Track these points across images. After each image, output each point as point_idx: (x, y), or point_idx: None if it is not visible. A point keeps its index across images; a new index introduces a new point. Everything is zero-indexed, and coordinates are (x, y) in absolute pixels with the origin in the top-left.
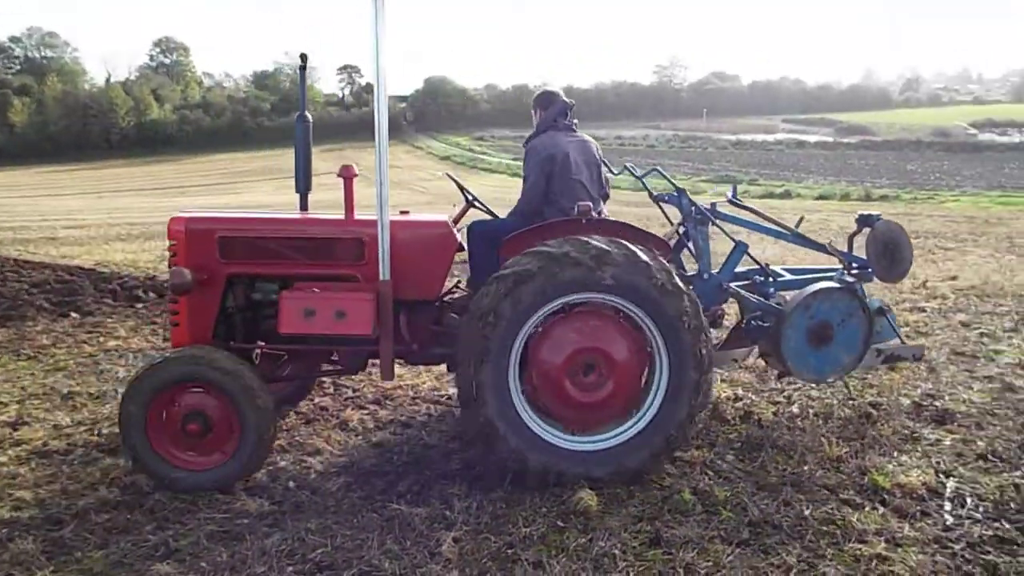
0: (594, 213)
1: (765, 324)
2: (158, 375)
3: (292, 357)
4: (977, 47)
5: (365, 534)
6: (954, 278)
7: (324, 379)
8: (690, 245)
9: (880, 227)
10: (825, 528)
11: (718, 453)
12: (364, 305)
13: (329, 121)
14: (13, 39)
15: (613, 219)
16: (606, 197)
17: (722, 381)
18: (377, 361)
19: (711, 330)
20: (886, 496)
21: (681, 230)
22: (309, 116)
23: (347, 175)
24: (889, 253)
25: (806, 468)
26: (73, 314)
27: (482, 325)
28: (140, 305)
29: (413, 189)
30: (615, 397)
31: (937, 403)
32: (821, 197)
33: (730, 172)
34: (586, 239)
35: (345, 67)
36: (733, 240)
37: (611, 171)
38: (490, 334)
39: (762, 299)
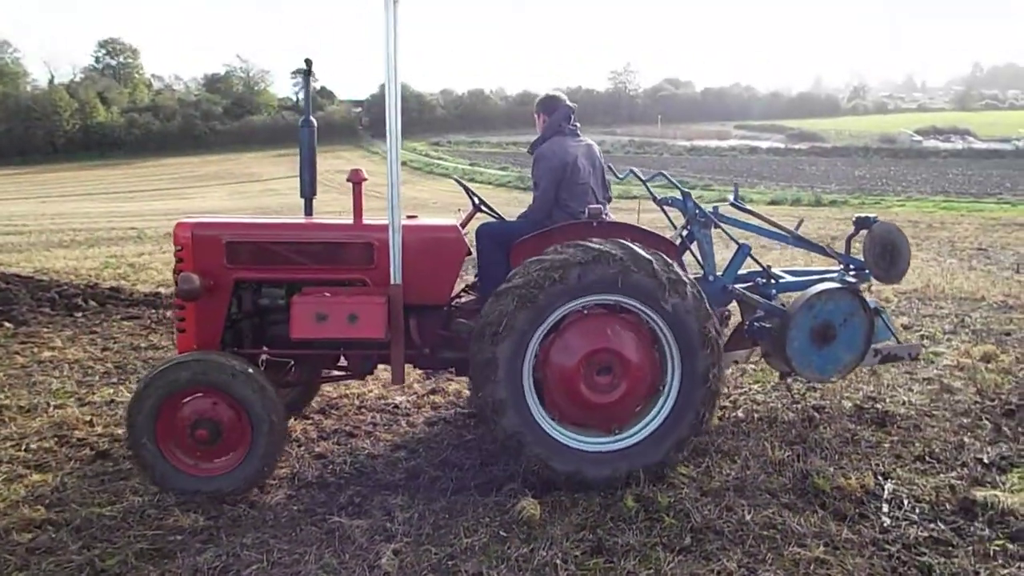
0: (608, 214)
1: (768, 325)
2: (166, 379)
3: (299, 362)
4: (921, 54)
5: (303, 548)
6: None
7: None
8: (694, 248)
9: (878, 229)
10: (765, 533)
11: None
12: (376, 309)
13: (282, 124)
14: None
15: (621, 221)
16: (609, 200)
17: None
18: (383, 366)
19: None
20: (826, 499)
21: (685, 233)
22: (314, 121)
23: (356, 179)
24: (888, 254)
25: (749, 472)
26: (6, 323)
27: (492, 339)
28: (79, 314)
29: (368, 195)
30: (630, 395)
31: (878, 405)
32: (773, 202)
33: (685, 177)
34: (588, 243)
35: (298, 71)
36: (736, 243)
37: (616, 175)
38: (499, 347)
39: (765, 300)
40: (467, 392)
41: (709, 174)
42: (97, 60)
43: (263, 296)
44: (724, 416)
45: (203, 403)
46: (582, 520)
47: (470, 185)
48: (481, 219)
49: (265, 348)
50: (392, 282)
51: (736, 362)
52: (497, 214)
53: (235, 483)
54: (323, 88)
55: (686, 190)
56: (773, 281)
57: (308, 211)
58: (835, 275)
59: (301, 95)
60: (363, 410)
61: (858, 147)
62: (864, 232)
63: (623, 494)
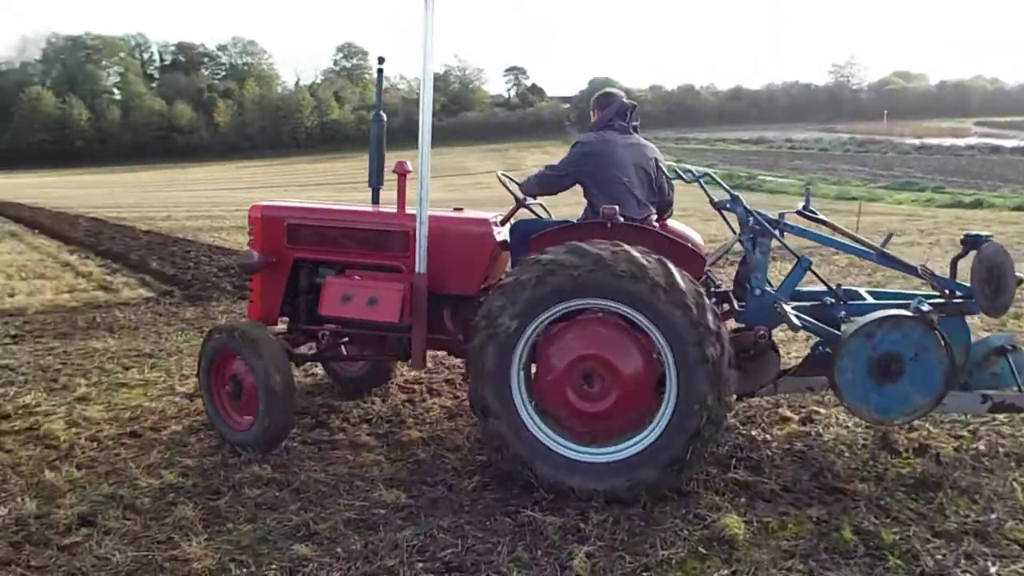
0: (650, 220)
1: (829, 351)
2: (206, 345)
3: (353, 340)
4: None
5: (496, 538)
6: None
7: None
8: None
9: (987, 250)
10: None
11: (887, 489)
12: (394, 294)
13: (493, 121)
14: (220, 47)
15: (647, 226)
16: (667, 204)
17: None
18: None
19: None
20: None
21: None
22: (384, 116)
23: (400, 171)
24: (994, 280)
25: (993, 517)
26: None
27: (486, 334)
28: None
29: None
30: (624, 407)
31: None
32: (1018, 208)
33: (912, 178)
34: (581, 244)
35: (511, 68)
36: (796, 255)
37: (668, 178)
38: (491, 343)
39: (817, 322)
40: None
41: (941, 175)
42: (335, 63)
43: (318, 275)
44: (961, 448)
45: (236, 364)
46: (791, 547)
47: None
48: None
49: (324, 324)
50: (417, 271)
51: (811, 389)
52: (537, 212)
53: (250, 440)
54: (533, 85)
55: (735, 193)
56: (843, 302)
57: (375, 200)
58: (912, 301)
59: (511, 92)
60: None
61: None
62: (973, 253)
63: (839, 523)
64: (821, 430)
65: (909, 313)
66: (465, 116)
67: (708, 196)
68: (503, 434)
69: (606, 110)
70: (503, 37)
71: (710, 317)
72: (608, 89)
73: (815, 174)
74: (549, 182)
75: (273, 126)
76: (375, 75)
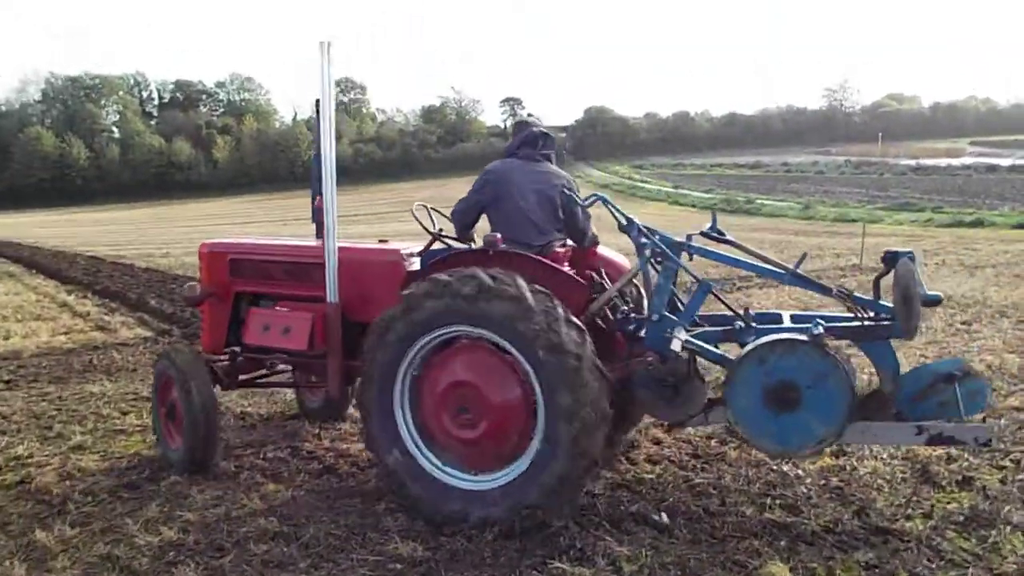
0: (552, 246)
1: None
2: (155, 369)
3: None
4: None
5: None
6: None
7: None
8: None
9: (900, 268)
10: None
11: (935, 528)
12: (303, 323)
13: (491, 151)
14: (218, 84)
15: (527, 254)
16: (580, 232)
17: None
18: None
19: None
20: None
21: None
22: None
23: (318, 206)
24: (907, 301)
25: None
26: None
27: (365, 375)
28: None
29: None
30: (500, 431)
31: None
32: (1020, 226)
33: (910, 199)
34: (439, 275)
35: (507, 99)
36: (696, 279)
37: (583, 205)
38: (367, 384)
39: (706, 347)
40: (690, 429)
41: (939, 195)
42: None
43: (258, 306)
44: (1007, 479)
45: (174, 387)
46: None
47: (663, 206)
48: None
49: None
50: (328, 300)
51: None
52: (448, 243)
53: (178, 458)
54: (529, 114)
55: (629, 216)
56: (752, 325)
57: (319, 234)
58: (810, 326)
59: (508, 123)
60: None
61: None
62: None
63: (892, 568)
64: (856, 463)
65: (803, 337)
66: (462, 147)
67: (618, 220)
68: (397, 472)
69: (514, 138)
70: (498, 68)
71: (563, 329)
72: (522, 118)
73: (813, 196)
74: (462, 212)
75: (271, 161)
76: (313, 116)
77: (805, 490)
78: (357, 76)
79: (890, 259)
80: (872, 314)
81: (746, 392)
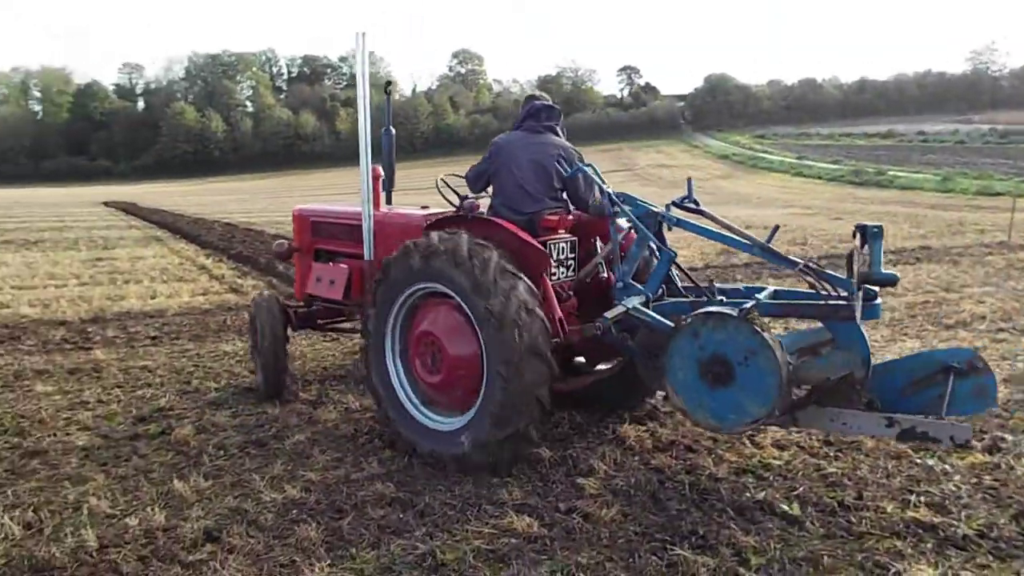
0: (542, 213)
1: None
2: (248, 313)
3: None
4: None
5: None
6: None
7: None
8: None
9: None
10: None
11: None
12: (341, 276)
13: (606, 122)
14: (342, 58)
15: (498, 220)
16: (582, 200)
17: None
18: None
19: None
20: None
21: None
22: (393, 131)
23: (374, 175)
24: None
25: None
26: None
27: (366, 313)
28: None
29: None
30: (459, 378)
31: None
32: None
33: None
34: (417, 240)
35: (624, 68)
36: (660, 248)
37: (566, 173)
38: (367, 337)
39: (651, 315)
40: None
41: None
42: (450, 69)
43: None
44: None
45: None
46: None
47: (785, 178)
48: None
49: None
50: (366, 257)
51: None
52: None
53: (257, 384)
54: (647, 84)
55: (604, 188)
56: (716, 298)
57: (388, 201)
58: (745, 302)
59: (624, 92)
60: None
61: None
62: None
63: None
64: (1012, 461)
65: (732, 312)
66: (577, 117)
67: (595, 193)
68: (394, 420)
69: (521, 111)
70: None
71: (493, 274)
72: (530, 93)
73: (952, 168)
74: (473, 179)
75: None
76: (384, 97)
77: (954, 488)
78: (474, 47)
79: (862, 231)
80: (838, 292)
81: (683, 365)
